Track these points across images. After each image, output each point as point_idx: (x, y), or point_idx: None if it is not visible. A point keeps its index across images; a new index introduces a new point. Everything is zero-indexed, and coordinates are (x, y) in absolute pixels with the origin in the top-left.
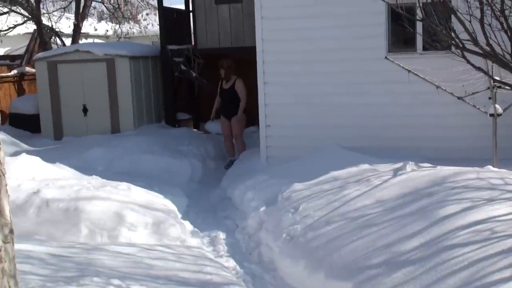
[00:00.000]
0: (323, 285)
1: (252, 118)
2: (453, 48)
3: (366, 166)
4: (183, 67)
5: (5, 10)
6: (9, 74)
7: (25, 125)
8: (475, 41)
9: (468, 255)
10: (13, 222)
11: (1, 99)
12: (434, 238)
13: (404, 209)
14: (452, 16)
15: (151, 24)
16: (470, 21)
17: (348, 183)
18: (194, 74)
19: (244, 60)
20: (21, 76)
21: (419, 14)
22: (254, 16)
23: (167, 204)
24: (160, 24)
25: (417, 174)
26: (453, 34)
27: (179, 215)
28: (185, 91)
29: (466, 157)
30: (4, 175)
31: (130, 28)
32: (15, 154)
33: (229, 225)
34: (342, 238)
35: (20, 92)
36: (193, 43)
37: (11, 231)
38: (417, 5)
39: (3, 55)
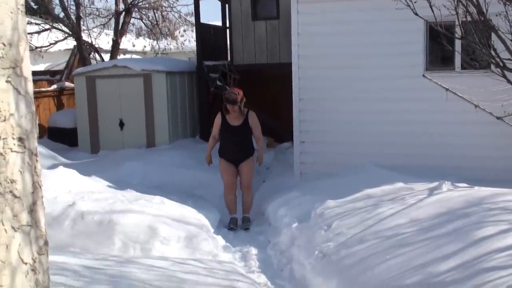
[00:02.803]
0: None
1: (286, 134)
2: (492, 67)
3: (401, 184)
4: (218, 82)
5: (47, 26)
6: (49, 88)
7: (63, 139)
8: None
9: (506, 278)
10: (49, 234)
11: (41, 113)
12: (470, 260)
13: (440, 229)
14: (493, 34)
15: (188, 40)
16: (511, 40)
17: (382, 202)
18: None
19: (279, 76)
20: (61, 90)
21: (458, 32)
22: (290, 32)
23: (200, 218)
24: (197, 40)
25: (454, 194)
26: (493, 53)
27: (212, 230)
28: (220, 107)
29: (504, 179)
30: (40, 187)
31: (167, 44)
32: (53, 167)
33: (261, 240)
34: (376, 257)
35: (59, 106)
36: (229, 59)
37: (46, 243)
38: (457, 23)
39: (43, 71)
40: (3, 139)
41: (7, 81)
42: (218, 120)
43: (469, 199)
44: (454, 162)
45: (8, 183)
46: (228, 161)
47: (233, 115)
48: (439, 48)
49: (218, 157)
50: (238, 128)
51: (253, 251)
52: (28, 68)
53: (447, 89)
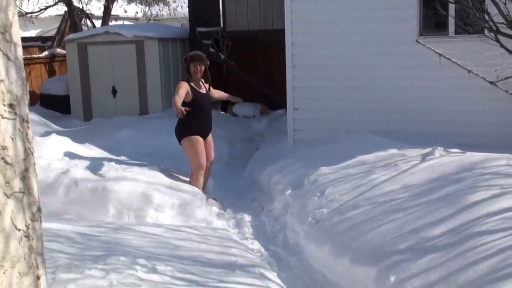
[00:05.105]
0: (348, 269)
1: (279, 101)
2: (486, 32)
3: (394, 150)
4: (211, 49)
5: None
6: (40, 55)
7: (55, 106)
8: (509, 24)
9: (497, 242)
10: (43, 201)
11: (32, 80)
12: (462, 224)
13: (432, 194)
14: None
15: (180, 6)
16: (505, 3)
17: (376, 168)
18: (222, 57)
19: (272, 43)
20: (52, 57)
21: None
22: None
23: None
24: (189, 6)
25: (446, 159)
26: (486, 17)
27: (206, 197)
28: (213, 74)
29: (496, 143)
30: (32, 154)
31: (159, 10)
32: (45, 134)
33: (255, 207)
34: (368, 223)
35: (51, 73)
36: (222, 25)
37: (39, 209)
38: None
39: (34, 37)
40: None
41: None
42: (185, 88)
43: (461, 165)
44: (446, 128)
45: None
46: (201, 134)
47: (197, 81)
48: (433, 13)
49: (188, 136)
50: (208, 96)
51: (247, 218)
52: (17, 33)
53: (440, 55)
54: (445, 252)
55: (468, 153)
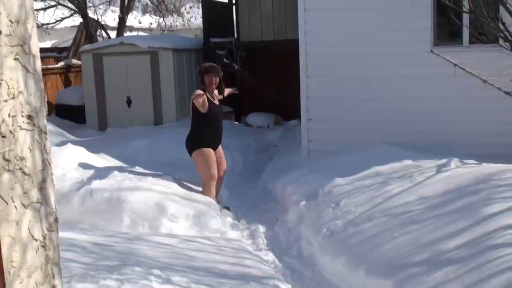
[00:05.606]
0: (363, 282)
1: (293, 111)
2: (501, 41)
3: (409, 162)
4: (225, 60)
5: (53, 3)
6: (56, 66)
7: (70, 116)
8: None
9: None
10: (58, 210)
11: (48, 90)
12: (478, 237)
13: (448, 206)
14: (501, 7)
15: (194, 17)
16: None
17: (391, 179)
18: (236, 67)
19: (285, 53)
20: (68, 68)
21: (466, 5)
22: (297, 8)
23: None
24: (203, 17)
25: (462, 171)
26: (501, 27)
27: (220, 207)
28: (227, 84)
29: None
30: (50, 164)
31: (173, 21)
32: (61, 144)
33: (269, 218)
34: (384, 235)
35: (67, 83)
36: (235, 36)
37: (56, 220)
38: None
39: (50, 48)
40: (13, 116)
41: (15, 59)
42: (204, 95)
43: (477, 176)
44: (462, 139)
45: (18, 160)
46: (213, 146)
47: (211, 93)
48: (447, 23)
49: (200, 148)
50: (221, 108)
51: (261, 229)
52: (36, 45)
53: (455, 65)
54: (461, 265)
55: (484, 164)
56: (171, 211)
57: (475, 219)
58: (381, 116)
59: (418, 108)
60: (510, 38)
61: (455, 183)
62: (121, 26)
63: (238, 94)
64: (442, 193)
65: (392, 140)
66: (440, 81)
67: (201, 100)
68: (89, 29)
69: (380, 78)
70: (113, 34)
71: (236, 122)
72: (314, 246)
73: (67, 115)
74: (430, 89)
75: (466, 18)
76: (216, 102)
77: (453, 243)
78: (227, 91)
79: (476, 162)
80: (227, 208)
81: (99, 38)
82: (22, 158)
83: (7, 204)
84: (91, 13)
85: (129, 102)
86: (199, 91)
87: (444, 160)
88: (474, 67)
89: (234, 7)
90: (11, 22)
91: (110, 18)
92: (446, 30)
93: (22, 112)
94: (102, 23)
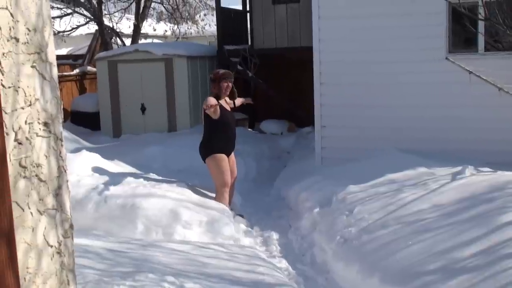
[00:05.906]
0: None
1: (306, 118)
2: None
3: (423, 169)
4: (239, 67)
5: (69, 11)
6: (71, 73)
7: (85, 123)
8: None
9: None
10: (73, 217)
11: (63, 97)
12: (493, 245)
13: (462, 214)
14: None
15: (208, 24)
16: None
17: (405, 186)
18: (250, 74)
19: (299, 61)
20: (83, 75)
21: (481, 13)
22: (311, 16)
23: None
24: (218, 25)
25: (477, 178)
26: None
27: (233, 214)
28: (240, 91)
29: None
30: (65, 171)
31: (188, 28)
32: (76, 150)
33: (283, 225)
34: (398, 243)
35: (82, 90)
36: (249, 43)
37: (71, 226)
38: (480, 3)
39: (66, 55)
40: (29, 123)
41: (32, 66)
42: (217, 102)
43: (492, 184)
44: (477, 146)
45: (34, 167)
46: (226, 152)
47: (223, 99)
48: (462, 30)
49: (213, 154)
50: (233, 114)
51: (274, 236)
52: (52, 53)
53: (470, 72)
54: (476, 274)
55: (499, 172)
56: (185, 218)
57: (490, 228)
58: (395, 124)
59: (433, 116)
60: None
61: (469, 191)
62: (136, 33)
63: (252, 100)
64: (456, 201)
65: (406, 147)
66: (455, 88)
67: (212, 109)
68: (104, 36)
69: (394, 86)
70: (128, 41)
71: (250, 129)
72: (327, 253)
73: (82, 121)
74: (445, 97)
75: (481, 25)
76: (228, 108)
77: (467, 252)
78: (240, 100)
79: (491, 170)
80: (241, 216)
81: (114, 46)
82: (38, 165)
83: (23, 211)
84: (106, 21)
85: (143, 109)
86: (212, 100)
87: (458, 168)
88: (489, 74)
89: (248, 14)
90: (29, 30)
91: (125, 25)
92: (461, 38)
93: (39, 119)
94: (117, 30)
